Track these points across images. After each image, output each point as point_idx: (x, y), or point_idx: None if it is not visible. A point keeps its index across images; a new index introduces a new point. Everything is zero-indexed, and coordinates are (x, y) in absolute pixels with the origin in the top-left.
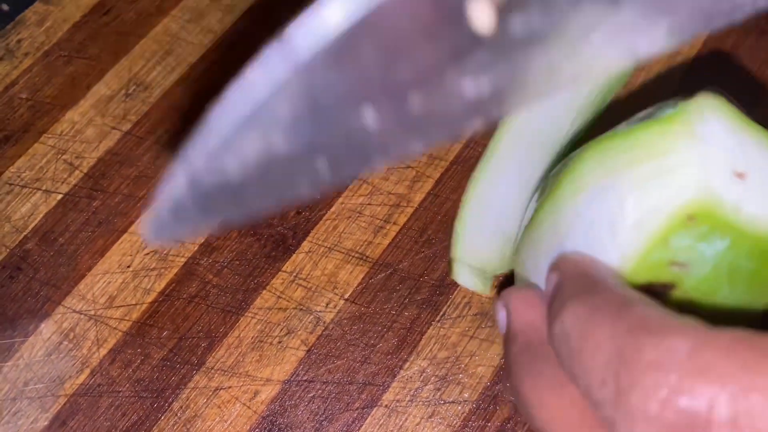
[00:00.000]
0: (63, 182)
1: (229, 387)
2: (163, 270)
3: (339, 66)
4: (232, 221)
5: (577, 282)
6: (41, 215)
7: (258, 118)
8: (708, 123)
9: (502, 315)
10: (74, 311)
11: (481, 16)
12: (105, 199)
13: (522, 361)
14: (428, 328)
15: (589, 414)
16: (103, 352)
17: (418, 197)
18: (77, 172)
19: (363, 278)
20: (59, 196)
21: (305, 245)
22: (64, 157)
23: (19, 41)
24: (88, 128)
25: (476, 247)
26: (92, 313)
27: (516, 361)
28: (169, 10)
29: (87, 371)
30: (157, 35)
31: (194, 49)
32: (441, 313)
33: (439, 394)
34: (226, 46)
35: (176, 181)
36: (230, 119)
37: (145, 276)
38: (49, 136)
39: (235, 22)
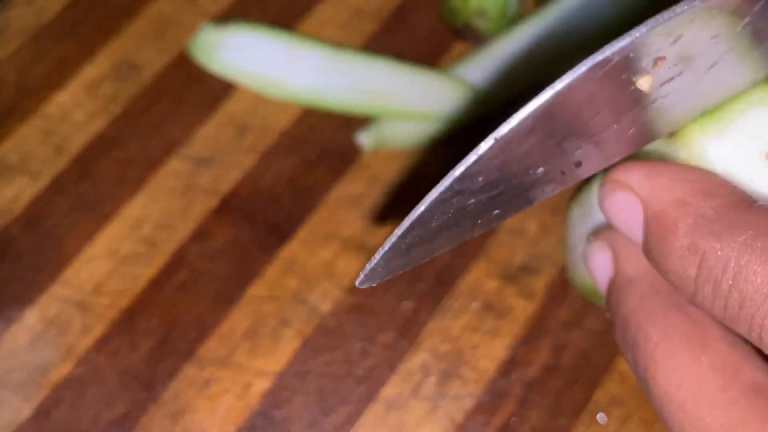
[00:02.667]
0: (50, 165)
1: (221, 378)
2: (152, 256)
3: (529, 138)
4: (419, 262)
5: (687, 201)
6: (27, 199)
7: (459, 188)
8: None
9: (603, 258)
10: (60, 298)
11: (645, 84)
12: (93, 183)
13: (648, 310)
14: (429, 319)
15: (737, 384)
16: (90, 340)
17: (420, 184)
18: (65, 154)
19: (362, 267)
20: (46, 180)
21: (301, 233)
22: (51, 139)
23: (7, 21)
24: (77, 110)
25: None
26: (78, 299)
27: (637, 310)
28: None
29: (73, 360)
30: (150, 16)
31: (188, 31)
32: (443, 304)
33: (440, 388)
34: None
35: (395, 243)
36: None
37: (134, 262)
38: (37, 118)
39: (230, 2)
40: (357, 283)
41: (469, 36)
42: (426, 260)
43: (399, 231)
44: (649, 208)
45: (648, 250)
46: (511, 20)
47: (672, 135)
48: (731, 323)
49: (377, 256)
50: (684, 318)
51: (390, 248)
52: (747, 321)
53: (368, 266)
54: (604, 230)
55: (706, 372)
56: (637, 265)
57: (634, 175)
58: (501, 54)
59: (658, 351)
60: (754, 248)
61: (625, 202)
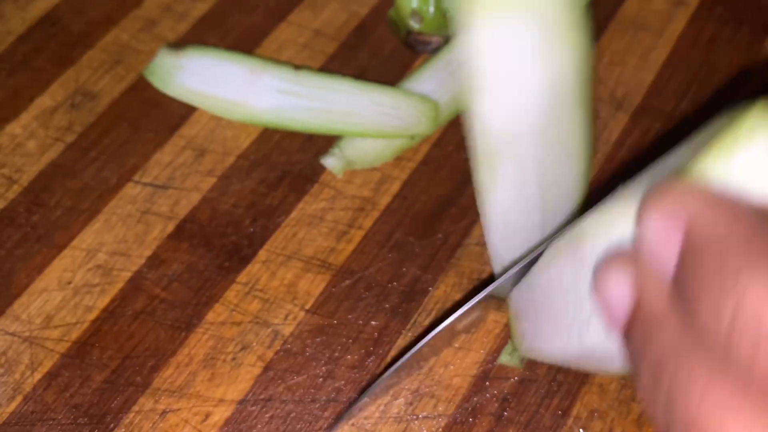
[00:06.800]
0: (0, 197)
1: (178, 409)
2: (106, 286)
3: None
4: None
5: (737, 233)
6: None
7: None
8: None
9: (621, 287)
10: (7, 333)
11: None
12: (45, 213)
13: (684, 361)
14: (398, 337)
15: None
16: (38, 376)
17: (385, 200)
18: (16, 186)
19: (325, 287)
20: None
21: (262, 254)
22: (2, 171)
23: None
24: (29, 141)
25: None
26: (27, 334)
27: (670, 358)
28: (119, 20)
29: (19, 398)
30: (106, 45)
31: (145, 58)
32: (412, 321)
33: (411, 408)
34: None
35: None
36: None
37: (87, 292)
38: None
39: (188, 30)
40: None
41: (416, 43)
42: None
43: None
44: (693, 237)
45: (681, 284)
46: (452, 21)
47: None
48: None
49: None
50: (728, 374)
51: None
52: None
53: None
54: (620, 257)
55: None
56: (666, 303)
57: (684, 197)
58: (452, 62)
59: (700, 414)
60: None
61: (665, 229)
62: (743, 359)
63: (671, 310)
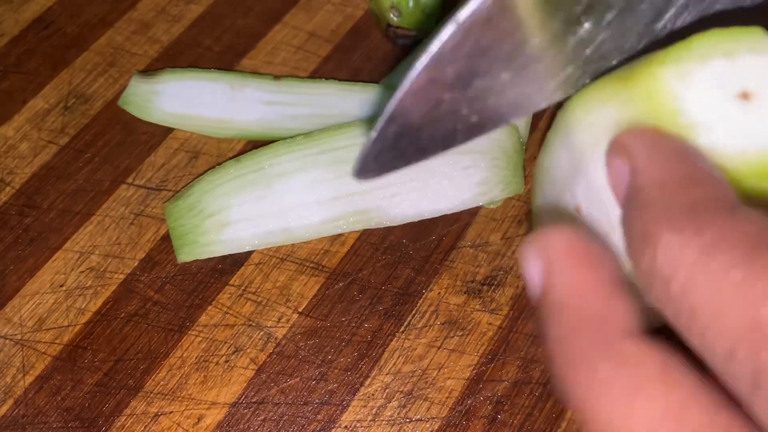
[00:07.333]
0: None
1: (170, 412)
2: (99, 288)
3: (489, 27)
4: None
5: (669, 185)
6: None
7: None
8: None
9: (534, 268)
10: None
11: None
12: (38, 216)
13: (575, 351)
14: (391, 339)
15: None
16: (29, 379)
17: None
18: (8, 188)
19: (319, 289)
20: None
21: (255, 256)
22: None
23: None
24: (22, 143)
25: None
26: (18, 337)
27: (563, 349)
28: (113, 22)
29: (10, 401)
30: (100, 47)
31: (139, 60)
32: (405, 323)
33: (404, 411)
34: (172, 56)
35: (382, 130)
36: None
37: (79, 295)
38: None
39: (182, 32)
40: (353, 175)
41: (396, 37)
42: (417, 161)
43: (383, 119)
44: (634, 181)
45: (621, 224)
46: (430, 15)
47: (624, 78)
48: (684, 334)
49: (367, 145)
50: (625, 365)
51: (378, 137)
52: (698, 337)
53: (360, 155)
54: (540, 232)
55: (657, 420)
56: (567, 285)
57: (637, 140)
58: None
59: (595, 403)
60: (710, 256)
61: (619, 169)
62: (659, 304)
63: (578, 299)
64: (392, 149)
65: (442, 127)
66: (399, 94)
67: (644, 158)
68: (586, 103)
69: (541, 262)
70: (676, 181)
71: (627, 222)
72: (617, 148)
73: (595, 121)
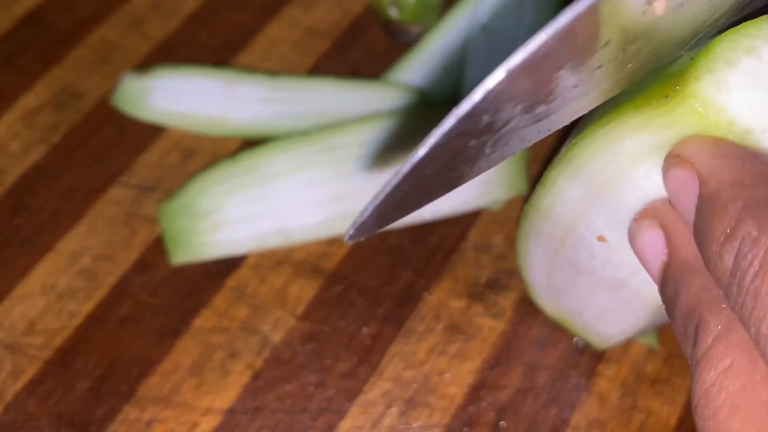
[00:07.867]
0: None
1: (164, 418)
2: (91, 290)
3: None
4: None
5: (744, 183)
6: None
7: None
8: None
9: (653, 238)
10: None
11: (659, 7)
12: (29, 216)
13: (711, 300)
14: (391, 344)
15: None
16: (20, 384)
17: None
18: None
19: (317, 293)
20: None
21: (251, 259)
22: None
23: None
24: (13, 141)
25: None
26: (9, 341)
27: (700, 299)
28: (106, 17)
29: (0, 406)
30: (93, 44)
31: (133, 57)
32: (405, 327)
33: (404, 418)
34: (166, 52)
35: (390, 193)
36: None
37: (71, 298)
38: None
39: (177, 27)
40: (345, 239)
41: (396, 33)
42: (415, 210)
43: (395, 180)
44: (705, 186)
45: (696, 233)
46: (431, 9)
47: (644, 104)
48: (745, 326)
49: (369, 209)
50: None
51: (384, 199)
52: (755, 326)
53: (358, 220)
54: (652, 207)
55: (756, 384)
56: (696, 248)
57: (697, 151)
58: (435, 50)
59: (713, 348)
60: None
61: (685, 180)
62: (737, 300)
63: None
64: (397, 206)
65: (457, 171)
66: (422, 151)
67: (711, 164)
68: (597, 140)
69: (660, 231)
70: (749, 179)
71: (706, 226)
72: (676, 161)
73: (619, 153)
